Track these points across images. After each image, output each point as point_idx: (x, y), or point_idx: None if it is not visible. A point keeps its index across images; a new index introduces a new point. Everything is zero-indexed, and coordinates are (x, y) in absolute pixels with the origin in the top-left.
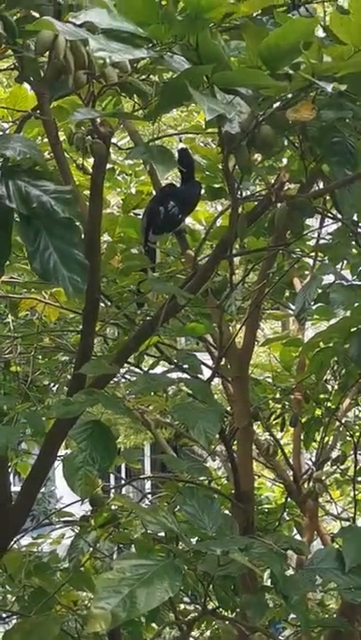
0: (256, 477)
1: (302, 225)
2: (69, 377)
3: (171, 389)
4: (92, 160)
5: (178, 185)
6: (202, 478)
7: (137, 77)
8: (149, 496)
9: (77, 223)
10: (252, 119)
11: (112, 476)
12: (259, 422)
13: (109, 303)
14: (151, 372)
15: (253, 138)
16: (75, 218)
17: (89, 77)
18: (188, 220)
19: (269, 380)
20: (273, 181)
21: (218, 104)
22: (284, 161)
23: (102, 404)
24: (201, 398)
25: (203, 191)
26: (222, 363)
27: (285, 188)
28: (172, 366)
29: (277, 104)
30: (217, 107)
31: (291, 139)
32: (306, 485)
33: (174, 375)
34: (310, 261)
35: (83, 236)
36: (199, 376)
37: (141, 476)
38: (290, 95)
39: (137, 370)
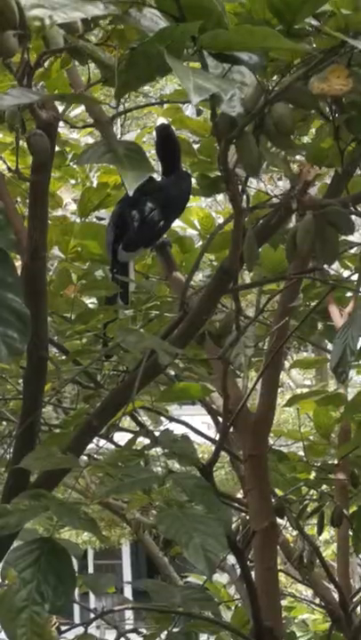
0: (284, 594)
1: (336, 246)
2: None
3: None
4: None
5: (158, 178)
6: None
7: (94, 41)
8: (131, 635)
9: (11, 255)
10: (260, 94)
11: (75, 607)
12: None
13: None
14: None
15: (263, 121)
16: (7, 247)
17: (22, 41)
18: (176, 224)
19: (300, 454)
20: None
21: (209, 79)
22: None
23: (54, 514)
24: (198, 501)
25: (194, 182)
26: (230, 432)
27: (311, 189)
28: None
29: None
30: (208, 83)
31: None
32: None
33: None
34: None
35: (20, 272)
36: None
37: (116, 608)
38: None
39: (109, 444)
